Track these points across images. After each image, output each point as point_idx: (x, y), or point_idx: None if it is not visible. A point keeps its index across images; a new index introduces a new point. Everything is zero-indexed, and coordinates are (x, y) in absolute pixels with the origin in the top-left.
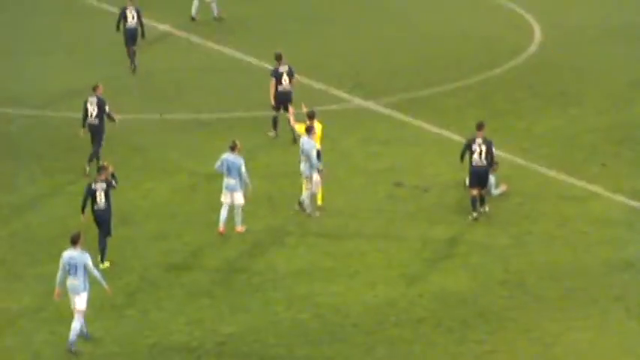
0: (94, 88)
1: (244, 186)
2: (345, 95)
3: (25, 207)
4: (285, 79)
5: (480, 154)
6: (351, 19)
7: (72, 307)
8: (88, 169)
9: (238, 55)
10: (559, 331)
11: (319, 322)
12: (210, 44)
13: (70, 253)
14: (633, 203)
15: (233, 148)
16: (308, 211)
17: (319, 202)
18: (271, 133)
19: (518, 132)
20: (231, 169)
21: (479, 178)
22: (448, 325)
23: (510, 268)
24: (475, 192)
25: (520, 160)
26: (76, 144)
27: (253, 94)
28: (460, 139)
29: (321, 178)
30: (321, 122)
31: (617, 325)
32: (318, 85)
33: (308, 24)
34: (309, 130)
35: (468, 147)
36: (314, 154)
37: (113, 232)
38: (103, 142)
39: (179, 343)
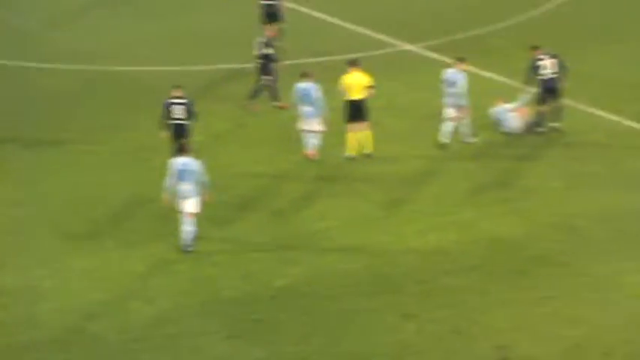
0: None
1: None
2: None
3: None
4: None
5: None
6: None
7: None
8: None
9: None
10: (612, 274)
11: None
12: None
13: (184, 160)
14: None
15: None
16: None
17: (369, 150)
18: None
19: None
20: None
21: None
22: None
23: (560, 211)
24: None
25: (568, 101)
26: None
27: None
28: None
29: None
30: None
31: None
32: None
33: None
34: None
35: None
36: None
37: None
38: None
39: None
